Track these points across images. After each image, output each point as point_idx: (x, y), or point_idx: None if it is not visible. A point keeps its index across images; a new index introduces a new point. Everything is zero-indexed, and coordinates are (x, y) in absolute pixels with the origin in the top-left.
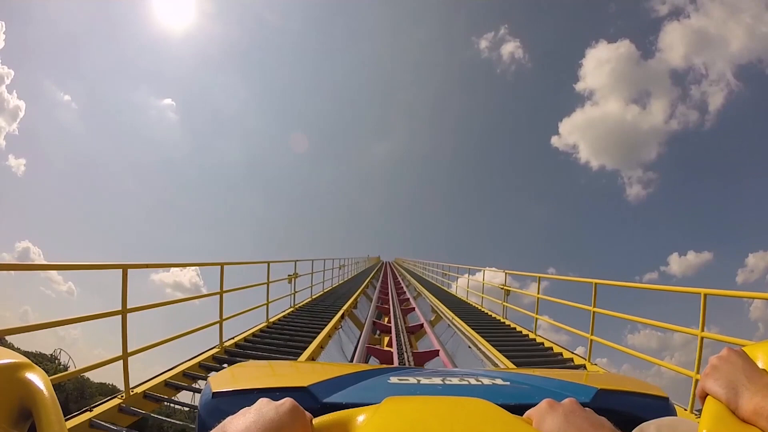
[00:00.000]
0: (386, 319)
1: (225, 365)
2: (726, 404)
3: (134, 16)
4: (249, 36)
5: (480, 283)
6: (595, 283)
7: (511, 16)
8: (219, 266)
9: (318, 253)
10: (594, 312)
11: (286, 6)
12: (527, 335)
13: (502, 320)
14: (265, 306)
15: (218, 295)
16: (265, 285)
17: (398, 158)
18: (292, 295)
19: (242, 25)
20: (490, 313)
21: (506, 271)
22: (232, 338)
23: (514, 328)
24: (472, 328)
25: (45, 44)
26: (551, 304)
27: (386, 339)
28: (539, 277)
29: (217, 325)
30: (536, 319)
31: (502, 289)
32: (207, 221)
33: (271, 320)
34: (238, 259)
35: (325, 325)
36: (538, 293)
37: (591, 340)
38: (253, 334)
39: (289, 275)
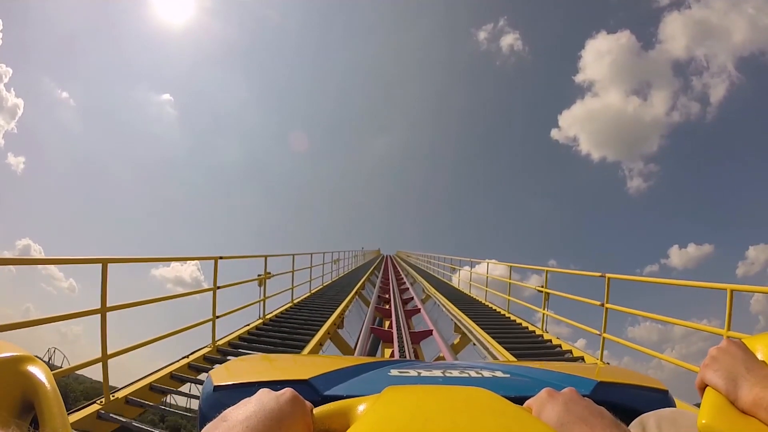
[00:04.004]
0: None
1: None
2: (725, 395)
3: (132, 12)
4: (248, 31)
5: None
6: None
7: (510, 7)
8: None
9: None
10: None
11: (285, 2)
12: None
13: (513, 318)
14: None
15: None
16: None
17: (398, 153)
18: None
19: (242, 19)
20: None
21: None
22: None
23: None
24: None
25: (43, 41)
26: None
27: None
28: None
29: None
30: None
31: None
32: (207, 217)
33: (267, 317)
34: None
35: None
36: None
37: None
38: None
39: None
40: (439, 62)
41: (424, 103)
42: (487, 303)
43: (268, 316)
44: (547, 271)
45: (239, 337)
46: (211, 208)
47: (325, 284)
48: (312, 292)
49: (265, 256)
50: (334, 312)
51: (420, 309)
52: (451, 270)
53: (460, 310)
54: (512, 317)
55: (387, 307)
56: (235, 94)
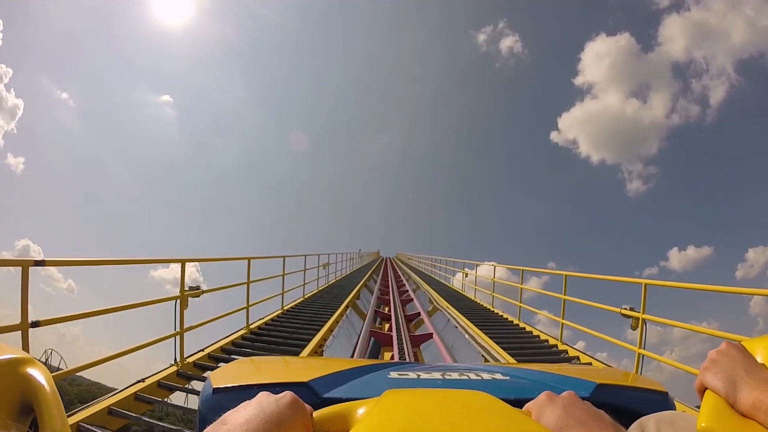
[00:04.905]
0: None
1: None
2: (725, 398)
3: (131, 13)
4: (247, 32)
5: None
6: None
7: (509, 9)
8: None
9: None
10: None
11: (284, 2)
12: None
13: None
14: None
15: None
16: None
17: (397, 154)
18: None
19: (240, 20)
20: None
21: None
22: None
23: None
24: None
25: (43, 42)
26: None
27: None
28: (644, 283)
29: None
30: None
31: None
32: (206, 217)
33: (188, 360)
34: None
35: None
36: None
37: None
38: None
39: None
40: (439, 63)
41: (424, 104)
42: (522, 324)
43: (190, 359)
44: (645, 284)
45: (105, 411)
46: (211, 208)
47: (306, 296)
48: (285, 309)
49: (183, 261)
50: (312, 340)
51: (432, 334)
52: (464, 276)
53: (488, 336)
54: (569, 350)
55: (387, 329)
56: (234, 94)
